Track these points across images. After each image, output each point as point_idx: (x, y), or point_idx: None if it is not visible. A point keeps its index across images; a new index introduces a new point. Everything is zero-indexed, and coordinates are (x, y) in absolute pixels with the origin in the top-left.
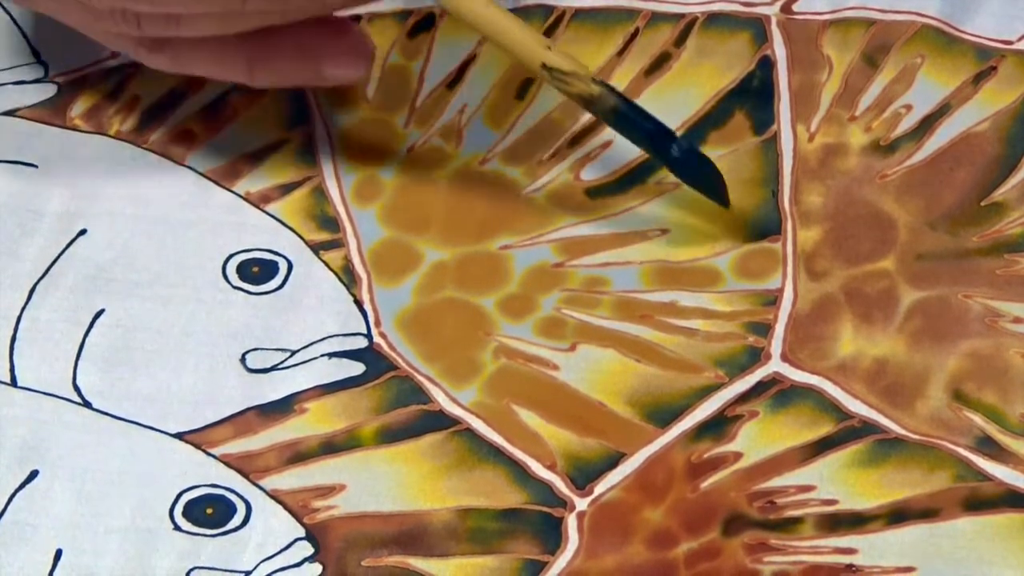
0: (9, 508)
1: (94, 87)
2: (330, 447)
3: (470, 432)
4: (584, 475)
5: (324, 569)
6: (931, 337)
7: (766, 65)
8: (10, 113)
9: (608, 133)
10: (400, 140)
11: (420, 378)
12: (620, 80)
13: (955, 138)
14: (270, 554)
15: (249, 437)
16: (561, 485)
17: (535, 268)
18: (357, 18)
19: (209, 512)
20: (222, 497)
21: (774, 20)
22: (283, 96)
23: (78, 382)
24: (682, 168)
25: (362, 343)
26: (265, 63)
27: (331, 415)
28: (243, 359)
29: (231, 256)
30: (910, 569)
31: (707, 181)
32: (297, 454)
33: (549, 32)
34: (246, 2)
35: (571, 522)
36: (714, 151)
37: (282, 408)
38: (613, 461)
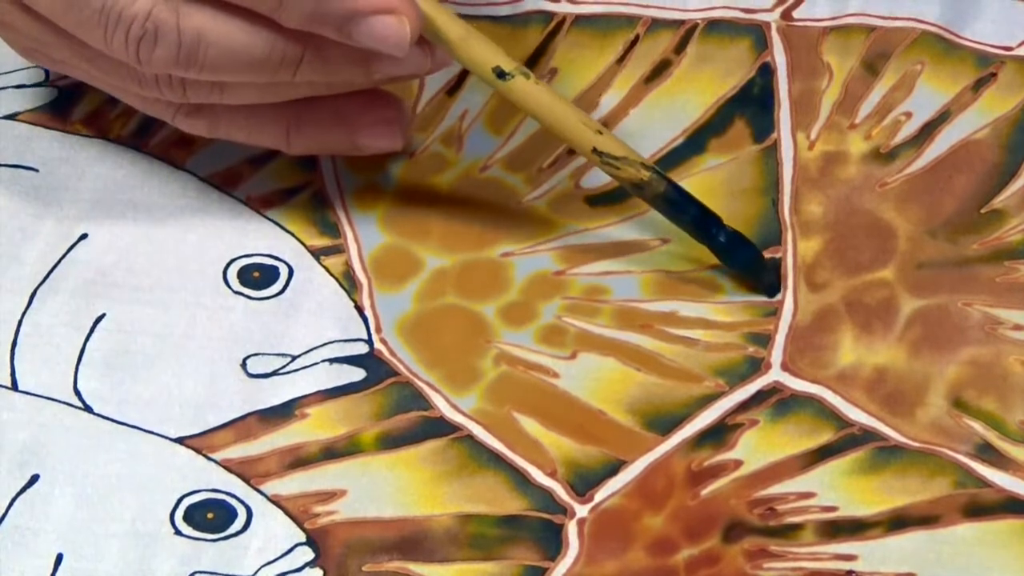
0: (10, 513)
1: (95, 91)
2: (331, 452)
3: (471, 439)
4: (584, 482)
5: (324, 574)
6: (931, 345)
7: (766, 72)
8: (11, 117)
9: None
10: None
11: (421, 384)
12: (620, 87)
13: (955, 145)
14: (271, 559)
15: (250, 442)
16: (561, 492)
17: (536, 276)
18: None
19: (210, 517)
20: (223, 502)
21: (774, 27)
22: None
23: (79, 386)
24: (728, 254)
25: (363, 349)
26: (302, 131)
27: (332, 420)
28: (244, 364)
29: (232, 261)
30: (910, 575)
31: (752, 266)
32: (298, 459)
33: (550, 39)
34: (296, 73)
35: (571, 529)
36: (714, 159)
37: (283, 413)
38: (613, 468)
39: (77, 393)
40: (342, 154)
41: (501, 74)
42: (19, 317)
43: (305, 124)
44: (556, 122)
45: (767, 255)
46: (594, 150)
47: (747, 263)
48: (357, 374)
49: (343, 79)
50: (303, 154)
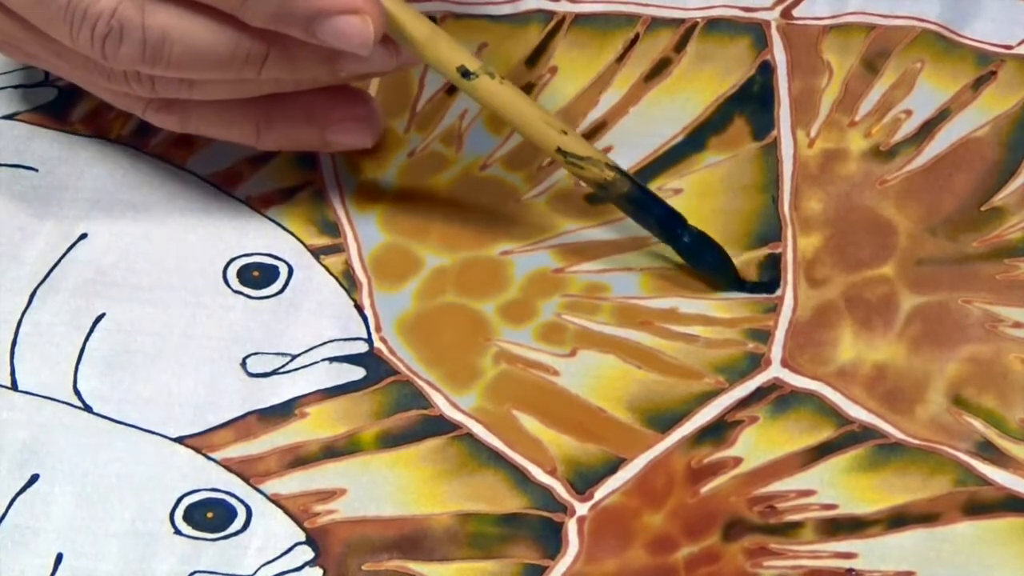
0: (10, 512)
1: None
2: (331, 451)
3: (470, 437)
4: (584, 480)
5: (324, 573)
6: (931, 342)
7: (766, 70)
8: (10, 117)
9: (607, 139)
10: (400, 145)
11: (420, 383)
12: (620, 85)
13: (955, 143)
14: (270, 558)
15: (250, 441)
16: (561, 490)
17: (535, 274)
18: None
19: (210, 516)
20: (223, 501)
21: (774, 25)
22: None
23: (79, 386)
24: (692, 253)
25: (363, 348)
26: (272, 127)
27: (332, 419)
28: (244, 363)
29: (232, 260)
30: (910, 573)
31: (716, 265)
32: (298, 458)
33: (550, 37)
34: (261, 70)
35: (571, 527)
36: (714, 156)
37: (283, 412)
38: (613, 466)
39: (77, 392)
40: (312, 149)
41: (466, 73)
42: (19, 316)
43: (275, 120)
44: (520, 121)
45: (767, 251)
46: (558, 150)
47: (712, 264)
48: (357, 373)
49: (309, 76)
50: (272, 149)
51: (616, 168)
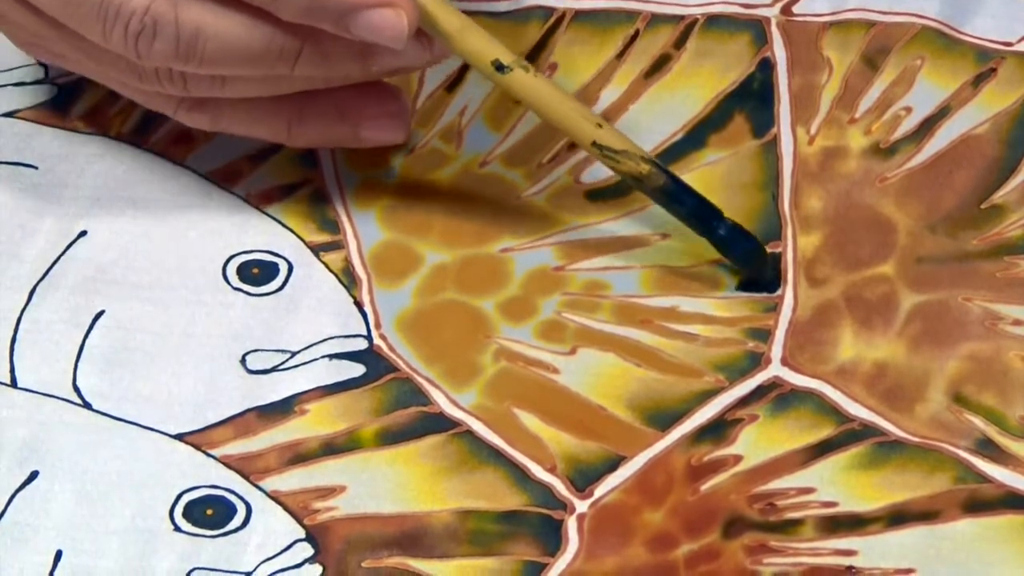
0: (9, 509)
1: (94, 88)
2: (330, 448)
3: (470, 434)
4: (584, 477)
5: (324, 570)
6: (931, 340)
7: (766, 67)
8: (10, 114)
9: None
10: None
11: (420, 380)
12: (620, 82)
13: (955, 140)
14: (270, 555)
15: (249, 438)
16: (561, 487)
17: (535, 271)
18: None
19: (209, 513)
20: (222, 498)
21: (774, 22)
22: None
23: (78, 383)
24: (728, 247)
25: (362, 345)
26: (305, 124)
27: (331, 416)
28: (243, 360)
29: (231, 257)
30: (910, 571)
31: (753, 260)
32: (297, 455)
33: (550, 34)
34: (294, 66)
35: (571, 524)
36: (714, 154)
37: (282, 409)
38: (613, 464)
39: (76, 390)
40: (344, 146)
41: (500, 67)
42: (18, 314)
43: (307, 117)
44: (556, 115)
45: (767, 249)
46: (594, 143)
47: (747, 256)
48: (356, 370)
49: (342, 72)
50: (305, 147)
51: (652, 161)
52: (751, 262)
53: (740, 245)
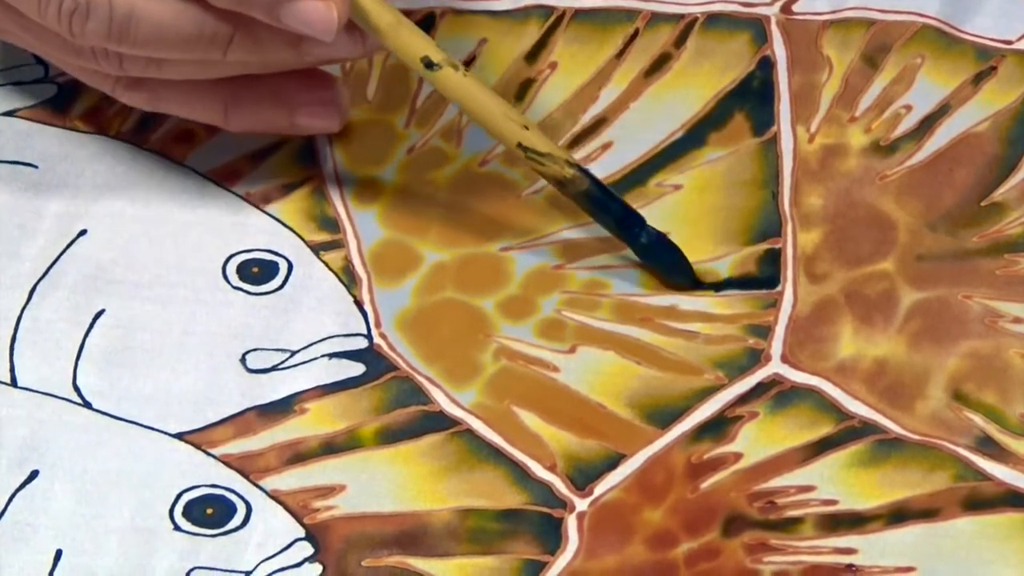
0: (9, 508)
1: (94, 88)
2: (330, 447)
3: (470, 433)
4: (584, 476)
5: (324, 569)
6: (931, 338)
7: (766, 66)
8: (10, 113)
9: (607, 135)
10: (400, 141)
11: (420, 379)
12: (620, 81)
13: (955, 138)
14: (270, 554)
15: (249, 437)
16: (561, 486)
17: (535, 270)
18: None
19: (209, 512)
20: (222, 497)
21: (774, 20)
22: None
23: (78, 382)
24: (649, 254)
25: (362, 344)
26: (241, 108)
27: (331, 415)
28: (243, 359)
29: (231, 256)
30: (910, 569)
31: (674, 267)
32: (297, 454)
33: (550, 33)
34: (226, 52)
35: (571, 523)
36: (714, 152)
37: (282, 408)
38: (613, 462)
39: (76, 389)
40: (280, 132)
41: (429, 64)
42: (18, 313)
43: (243, 101)
44: (482, 115)
45: (767, 247)
46: (519, 145)
47: (670, 266)
48: (356, 369)
49: (276, 59)
50: (241, 131)
51: (576, 165)
52: (673, 271)
53: (662, 254)
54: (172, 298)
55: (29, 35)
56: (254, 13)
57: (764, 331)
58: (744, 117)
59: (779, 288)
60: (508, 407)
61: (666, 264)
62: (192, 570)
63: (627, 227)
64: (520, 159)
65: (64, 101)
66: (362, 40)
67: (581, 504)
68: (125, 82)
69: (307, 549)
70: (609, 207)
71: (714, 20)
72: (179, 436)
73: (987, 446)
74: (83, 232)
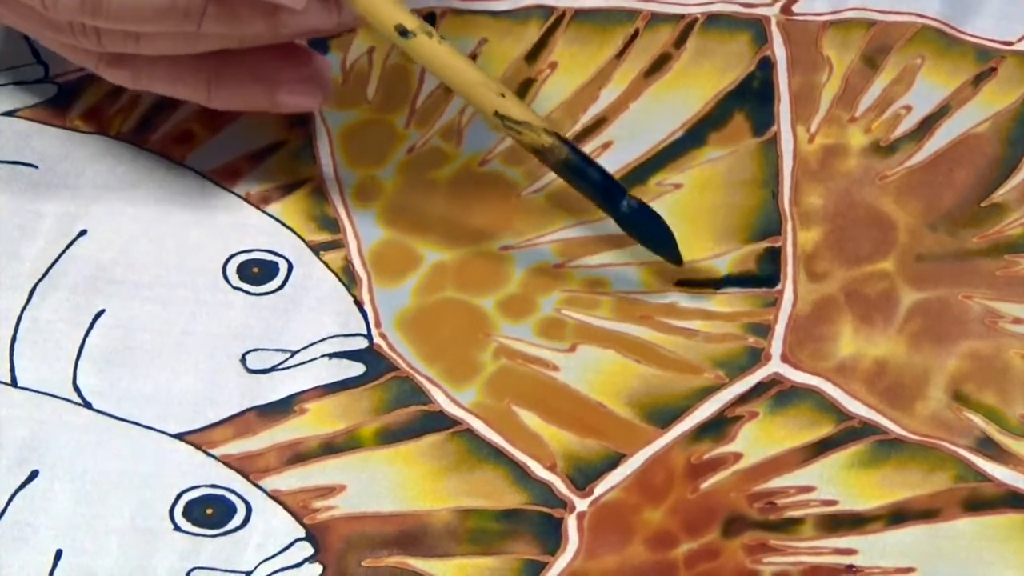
0: (9, 508)
1: (94, 87)
2: (330, 448)
3: (470, 433)
4: (584, 476)
5: (324, 569)
6: (931, 338)
7: (766, 66)
8: (10, 113)
9: (608, 135)
10: (400, 141)
11: (420, 379)
12: (620, 81)
13: (955, 139)
14: (270, 554)
15: (249, 438)
16: (561, 486)
17: (535, 269)
18: (325, 46)
19: (209, 512)
20: (222, 497)
21: (774, 21)
22: None
23: (78, 382)
24: (631, 224)
25: (362, 343)
26: (223, 85)
27: (331, 416)
28: (243, 359)
29: (231, 257)
30: (910, 570)
31: (657, 238)
32: (297, 454)
33: (550, 33)
34: (201, 24)
35: (571, 523)
36: (714, 152)
37: (282, 408)
38: (613, 462)
39: (76, 389)
40: (263, 110)
41: (404, 32)
42: (18, 313)
43: (225, 78)
44: (458, 83)
45: (767, 244)
46: (496, 113)
47: (653, 236)
48: (356, 369)
49: (251, 32)
50: (224, 109)
51: (555, 134)
52: (656, 242)
53: (645, 224)
54: (172, 298)
55: (6, 9)
56: None
57: (764, 330)
58: (744, 117)
59: (779, 287)
60: (508, 406)
61: (649, 235)
62: (192, 570)
63: (608, 196)
64: (498, 128)
65: (64, 101)
66: (336, 10)
67: (581, 504)
68: (107, 59)
69: (307, 549)
70: (589, 175)
71: (714, 20)
72: (179, 436)
73: (987, 447)
74: (83, 232)
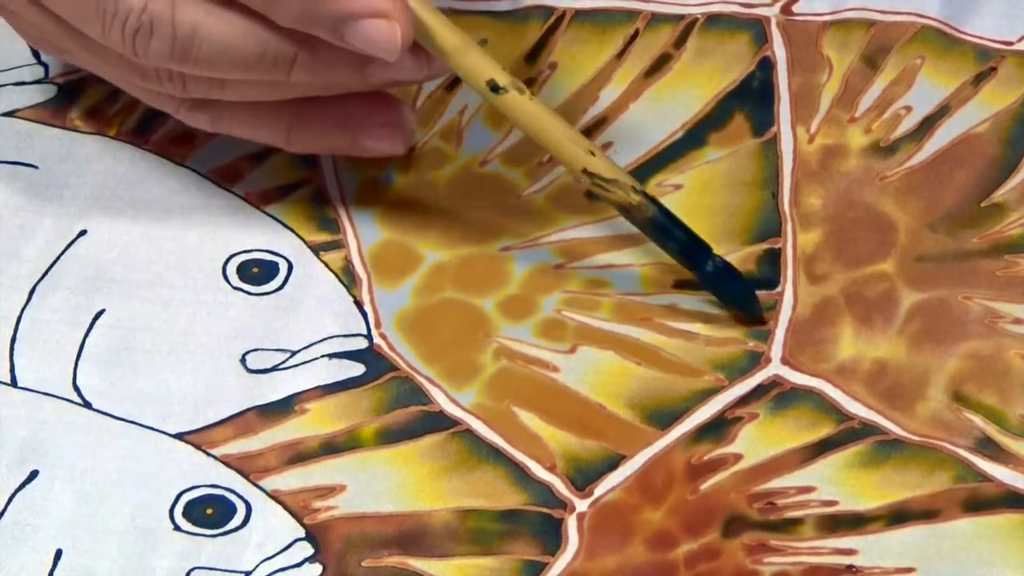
0: (9, 508)
1: (94, 88)
2: (330, 448)
3: (470, 433)
4: (584, 476)
5: (324, 569)
6: (931, 339)
7: (766, 66)
8: (10, 114)
9: (607, 135)
10: None
11: (420, 379)
12: (620, 81)
13: (955, 139)
14: (270, 554)
15: (249, 437)
16: (561, 486)
17: (535, 270)
18: None
19: (209, 512)
20: (222, 497)
21: (774, 21)
22: None
23: (78, 382)
24: (715, 284)
25: (362, 344)
26: (304, 130)
27: (331, 416)
28: (243, 360)
29: (231, 257)
30: (910, 570)
31: (740, 297)
32: (297, 455)
33: (550, 33)
34: (290, 73)
35: (571, 523)
36: (714, 152)
37: (282, 409)
38: (613, 463)
39: (76, 389)
40: (343, 153)
41: (495, 88)
42: (18, 313)
43: (307, 123)
44: (549, 140)
45: (767, 246)
46: (584, 171)
47: (735, 296)
48: (356, 369)
49: (339, 81)
50: (304, 152)
51: (642, 192)
52: (740, 301)
53: (728, 283)
54: (172, 298)
55: (93, 56)
56: (319, 32)
57: (764, 333)
58: (744, 117)
59: (779, 289)
60: (508, 407)
61: (731, 295)
62: (192, 570)
63: (692, 256)
64: (585, 184)
65: (64, 101)
66: (427, 62)
67: (581, 505)
68: (189, 103)
69: (307, 549)
70: (674, 235)
71: (714, 21)
72: (179, 436)
73: (987, 447)
74: (83, 232)
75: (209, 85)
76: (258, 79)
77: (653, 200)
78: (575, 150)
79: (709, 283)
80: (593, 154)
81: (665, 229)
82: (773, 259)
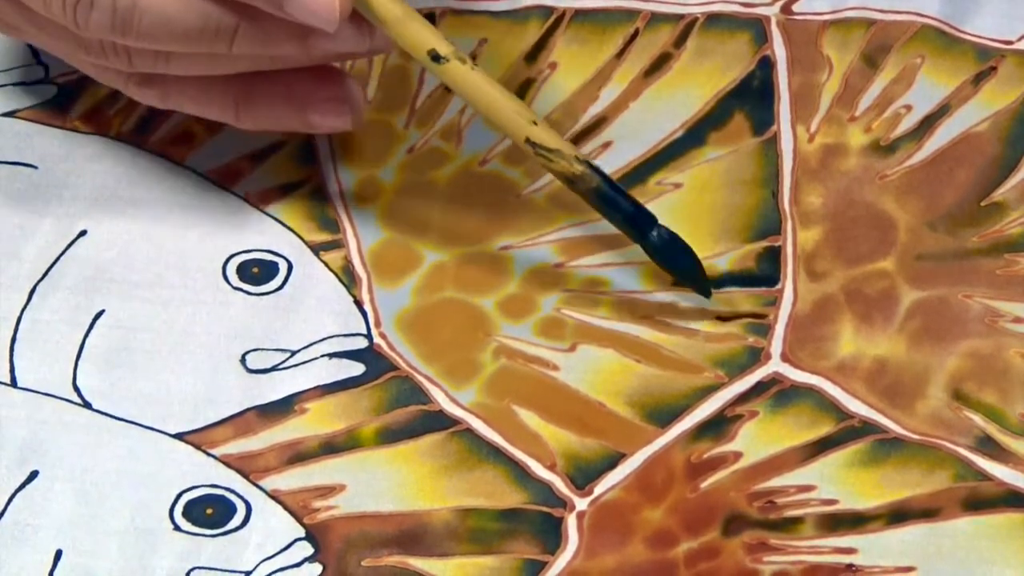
0: (9, 508)
1: (94, 88)
2: (330, 447)
3: (470, 432)
4: (584, 475)
5: (324, 569)
6: (931, 337)
7: (766, 65)
8: (10, 114)
9: (607, 134)
10: (400, 141)
11: (420, 378)
12: (620, 81)
13: (955, 138)
14: (270, 554)
15: (249, 437)
16: (561, 485)
17: (535, 269)
18: None
19: (209, 512)
20: (222, 497)
21: (774, 20)
22: None
23: (78, 383)
24: (660, 254)
25: (362, 343)
26: (252, 106)
27: (331, 415)
28: (243, 359)
29: (231, 257)
30: (910, 569)
31: (685, 268)
32: (297, 454)
33: (550, 33)
34: (232, 45)
35: (571, 522)
36: (714, 151)
37: (282, 408)
38: (613, 461)
39: (76, 389)
40: (293, 131)
41: (436, 57)
42: (18, 314)
43: (255, 99)
44: (490, 109)
45: (766, 243)
46: (527, 140)
47: (682, 267)
48: (356, 369)
49: (283, 53)
50: (253, 129)
51: (586, 162)
52: (685, 272)
53: (675, 255)
54: (172, 298)
55: (36, 29)
56: (258, 3)
57: (764, 329)
58: (744, 117)
59: (779, 286)
60: (508, 406)
61: (678, 266)
62: (192, 570)
63: (638, 226)
64: (528, 155)
65: (64, 102)
66: (370, 34)
67: (581, 503)
68: (137, 79)
69: (307, 549)
70: (619, 205)
71: (714, 20)
72: (179, 436)
73: (987, 446)
74: (83, 233)
75: (154, 58)
76: (201, 51)
77: (597, 169)
78: (518, 120)
79: (655, 254)
80: (535, 123)
81: (610, 199)
82: (773, 256)
